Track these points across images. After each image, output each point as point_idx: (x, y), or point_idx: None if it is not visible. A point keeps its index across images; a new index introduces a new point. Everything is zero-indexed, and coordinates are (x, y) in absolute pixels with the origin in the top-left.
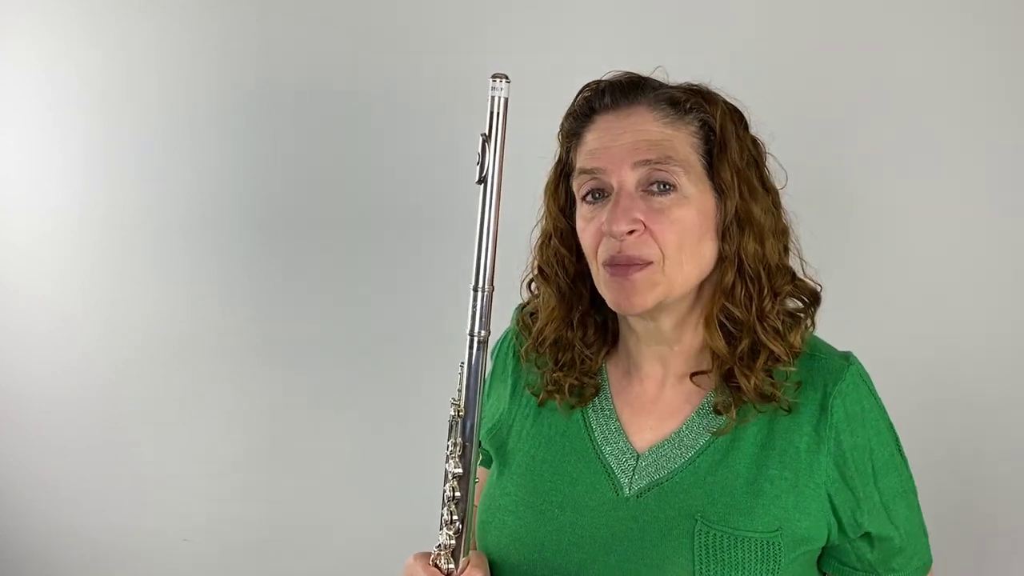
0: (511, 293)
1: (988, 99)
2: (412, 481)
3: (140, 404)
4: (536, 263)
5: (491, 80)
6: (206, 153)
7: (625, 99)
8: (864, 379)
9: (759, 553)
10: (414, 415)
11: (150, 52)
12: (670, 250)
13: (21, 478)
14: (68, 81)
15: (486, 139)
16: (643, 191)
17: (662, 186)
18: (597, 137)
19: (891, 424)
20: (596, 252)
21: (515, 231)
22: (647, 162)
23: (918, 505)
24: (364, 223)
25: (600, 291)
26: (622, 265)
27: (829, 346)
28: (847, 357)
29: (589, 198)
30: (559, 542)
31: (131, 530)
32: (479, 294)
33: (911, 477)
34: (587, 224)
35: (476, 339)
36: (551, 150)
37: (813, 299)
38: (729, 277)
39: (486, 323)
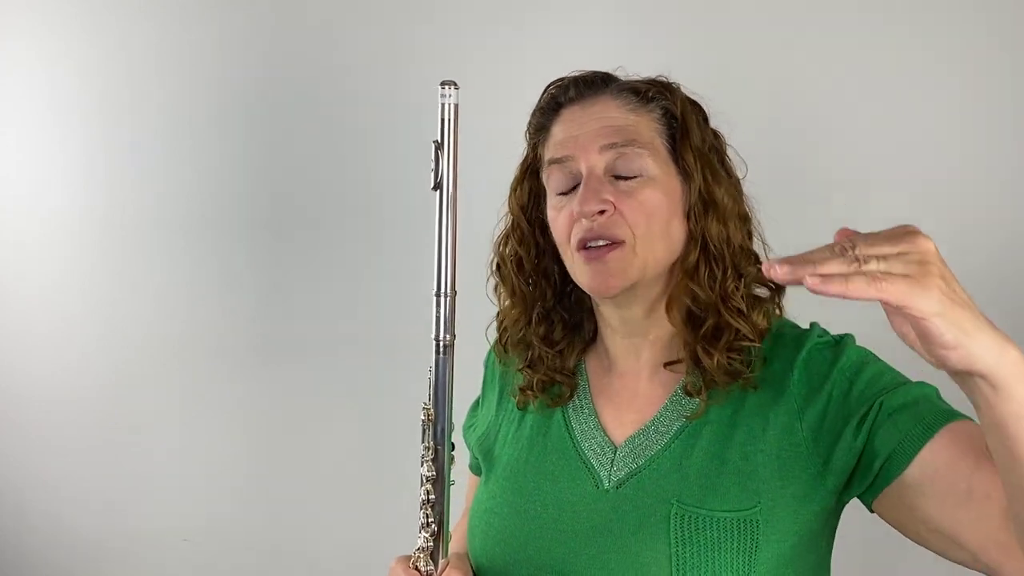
0: (476, 297)
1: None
2: (412, 480)
3: (140, 404)
4: (494, 262)
5: (440, 87)
6: (206, 153)
7: (590, 91)
8: (825, 340)
9: (735, 533)
10: (415, 414)
11: (150, 52)
12: (640, 230)
13: (21, 478)
14: (68, 81)
15: (439, 146)
16: (612, 175)
17: (629, 170)
18: (564, 128)
19: (862, 354)
20: (568, 238)
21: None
22: (613, 145)
23: (897, 373)
24: (364, 223)
25: (575, 278)
26: (595, 248)
27: (796, 324)
28: (810, 326)
29: (559, 189)
30: (542, 539)
31: (131, 530)
32: (441, 299)
33: (884, 364)
34: (558, 213)
35: (441, 344)
36: (508, 153)
37: (779, 284)
38: (693, 257)
39: (450, 327)
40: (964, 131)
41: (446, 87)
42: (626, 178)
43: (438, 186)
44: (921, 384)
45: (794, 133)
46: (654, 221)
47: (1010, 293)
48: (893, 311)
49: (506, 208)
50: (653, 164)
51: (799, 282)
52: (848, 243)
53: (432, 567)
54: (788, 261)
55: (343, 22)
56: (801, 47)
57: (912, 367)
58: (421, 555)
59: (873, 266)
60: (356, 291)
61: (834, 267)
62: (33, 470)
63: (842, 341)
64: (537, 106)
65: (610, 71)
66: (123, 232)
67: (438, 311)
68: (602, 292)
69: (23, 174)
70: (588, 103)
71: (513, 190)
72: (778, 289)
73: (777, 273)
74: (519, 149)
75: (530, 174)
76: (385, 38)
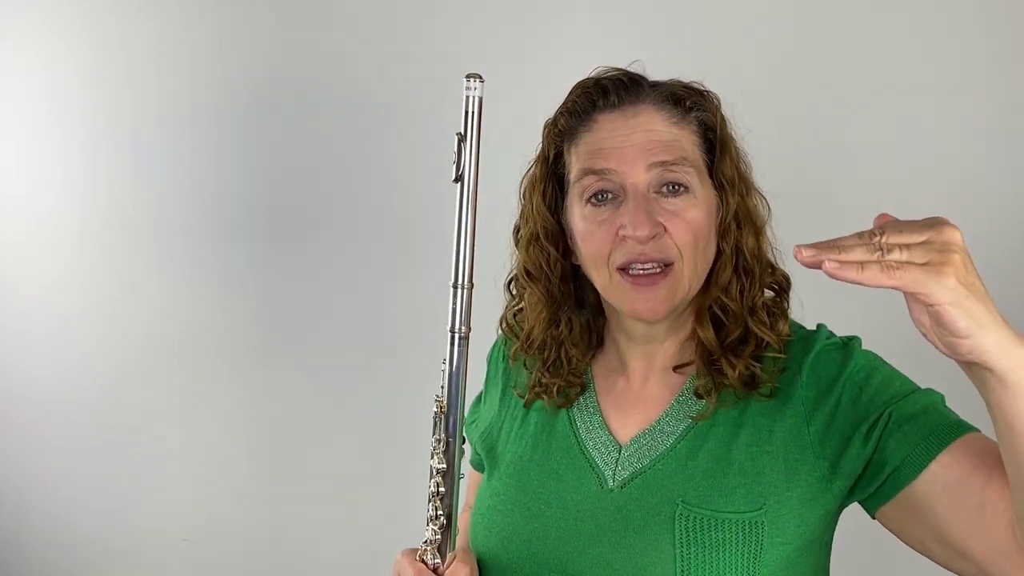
0: (491, 290)
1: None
2: (412, 479)
3: (140, 404)
4: (522, 264)
5: (465, 80)
6: (206, 153)
7: (629, 97)
8: (833, 342)
9: (740, 534)
10: (414, 413)
11: (150, 52)
12: (688, 251)
13: (21, 478)
14: (68, 81)
15: (461, 138)
16: (655, 192)
17: (674, 187)
18: (602, 137)
19: (871, 359)
20: (608, 256)
21: (495, 228)
22: (663, 163)
23: (905, 379)
24: (363, 223)
25: (610, 297)
26: (645, 275)
27: (802, 325)
28: (817, 328)
29: (594, 200)
30: (547, 538)
31: (131, 530)
32: (459, 291)
33: (892, 370)
34: (596, 227)
35: (457, 335)
36: (528, 148)
37: (785, 285)
38: (727, 274)
39: (466, 319)
40: (968, 133)
41: (471, 80)
42: (669, 196)
43: (459, 178)
44: (929, 392)
45: (800, 136)
46: (699, 240)
47: (1015, 295)
48: (912, 298)
49: (527, 208)
50: (697, 181)
51: (819, 266)
52: (878, 230)
53: (439, 560)
54: (815, 246)
55: (343, 22)
56: (810, 49)
57: (916, 370)
58: (428, 548)
59: (896, 255)
60: (355, 291)
61: (856, 255)
62: (33, 470)
63: (850, 344)
64: (564, 108)
65: (633, 69)
66: (123, 232)
67: (455, 303)
68: (647, 318)
69: (23, 174)
70: (629, 112)
71: (537, 191)
72: (782, 291)
73: (802, 256)
74: (517, 145)
75: (551, 176)
76: (384, 38)
